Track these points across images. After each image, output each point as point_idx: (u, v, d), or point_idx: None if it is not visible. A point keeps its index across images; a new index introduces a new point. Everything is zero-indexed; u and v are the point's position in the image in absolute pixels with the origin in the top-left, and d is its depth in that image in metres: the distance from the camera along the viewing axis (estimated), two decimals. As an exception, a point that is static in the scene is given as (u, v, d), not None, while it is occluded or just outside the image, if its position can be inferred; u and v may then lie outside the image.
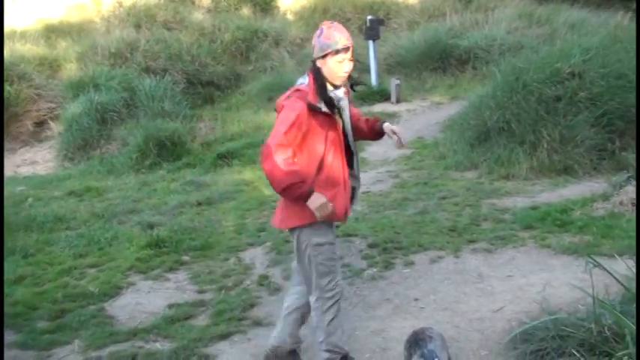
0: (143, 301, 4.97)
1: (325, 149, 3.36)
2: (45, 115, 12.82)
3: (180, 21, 16.05)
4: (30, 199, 8.29)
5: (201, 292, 5.05)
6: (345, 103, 3.47)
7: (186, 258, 5.79)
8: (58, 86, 13.10)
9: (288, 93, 3.41)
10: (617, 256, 3.77)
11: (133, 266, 5.63)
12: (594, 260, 3.09)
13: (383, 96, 12.99)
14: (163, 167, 9.86)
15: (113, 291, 5.15)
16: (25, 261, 5.94)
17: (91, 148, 11.27)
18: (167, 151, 10.23)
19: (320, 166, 3.36)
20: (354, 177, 3.64)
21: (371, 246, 5.61)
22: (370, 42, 13.44)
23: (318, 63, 3.37)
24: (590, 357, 2.97)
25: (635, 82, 7.53)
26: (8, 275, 5.51)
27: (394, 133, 3.62)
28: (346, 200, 3.48)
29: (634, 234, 5.11)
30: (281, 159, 3.20)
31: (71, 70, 13.60)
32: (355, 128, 3.63)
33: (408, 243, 5.58)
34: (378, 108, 12.44)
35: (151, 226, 6.68)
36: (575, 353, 2.99)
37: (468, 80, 13.37)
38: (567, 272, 4.61)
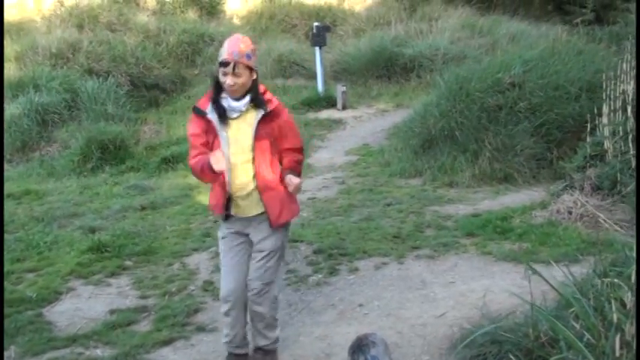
0: (83, 306, 4.87)
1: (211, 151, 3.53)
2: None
3: (125, 23, 15.78)
4: (-35, 202, 8.03)
5: (143, 297, 4.98)
6: (255, 117, 3.56)
7: (128, 263, 5.70)
8: (-5, 86, 12.71)
9: None
10: (553, 264, 3.88)
11: (73, 271, 5.51)
12: (532, 268, 3.18)
13: (329, 102, 13.06)
14: (106, 171, 9.68)
15: (52, 296, 5.03)
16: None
17: (31, 150, 10.98)
18: (110, 154, 10.04)
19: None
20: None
21: (316, 252, 5.63)
22: (317, 48, 13.50)
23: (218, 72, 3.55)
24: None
25: (572, 93, 7.78)
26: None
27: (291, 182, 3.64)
28: (222, 199, 3.63)
29: (570, 242, 5.28)
30: (190, 158, 3.60)
31: (10, 69, 13.21)
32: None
33: (353, 249, 5.62)
34: (324, 114, 12.51)
35: (93, 231, 6.56)
36: (513, 358, 3.06)
37: (413, 88, 13.56)
38: (507, 279, 4.72)
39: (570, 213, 5.85)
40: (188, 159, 3.62)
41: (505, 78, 8.20)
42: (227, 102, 3.53)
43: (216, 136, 3.55)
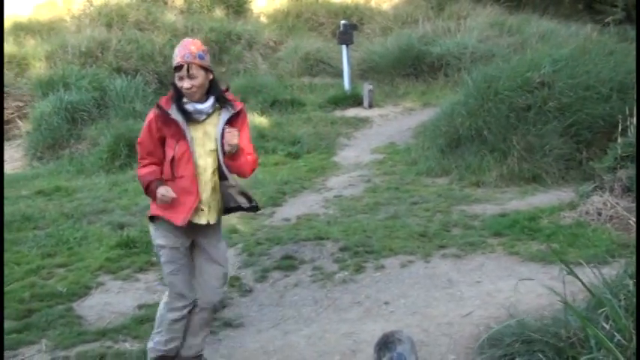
0: (112, 301, 4.93)
1: (174, 159, 3.46)
2: (12, 113, 12.62)
3: (153, 21, 15.91)
4: (-3, 198, 8.16)
5: (171, 293, 5.02)
6: (221, 117, 3.52)
7: (156, 259, 5.74)
8: (26, 85, 12.90)
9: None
10: (584, 264, 3.83)
11: (102, 266, 5.58)
12: (568, 267, 3.14)
13: (355, 101, 13.06)
14: (134, 168, 9.76)
15: (82, 291, 5.11)
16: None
17: (61, 148, 11.13)
18: (137, 152, 10.12)
19: (172, 173, 3.49)
20: (231, 186, 3.67)
21: (342, 249, 5.64)
22: (343, 47, 13.50)
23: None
24: (555, 360, 3.03)
25: (602, 93, 7.69)
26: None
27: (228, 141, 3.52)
28: (189, 211, 3.48)
29: (599, 243, 5.22)
30: (139, 168, 3.54)
31: (40, 68, 13.40)
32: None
33: (379, 247, 5.62)
34: (351, 113, 12.51)
35: (122, 227, 6.63)
36: (542, 357, 3.04)
37: (440, 87, 13.50)
38: (534, 279, 4.68)
39: (600, 214, 5.78)
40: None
41: (534, 77, 8.13)
42: (192, 106, 3.46)
43: (180, 140, 3.45)
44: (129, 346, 4.15)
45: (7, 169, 11.08)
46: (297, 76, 15.03)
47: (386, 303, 4.57)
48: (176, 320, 3.62)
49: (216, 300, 3.75)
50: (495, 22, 15.84)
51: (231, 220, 6.83)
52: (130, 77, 12.77)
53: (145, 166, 3.51)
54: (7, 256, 5.97)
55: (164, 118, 3.45)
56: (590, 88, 7.84)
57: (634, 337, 2.73)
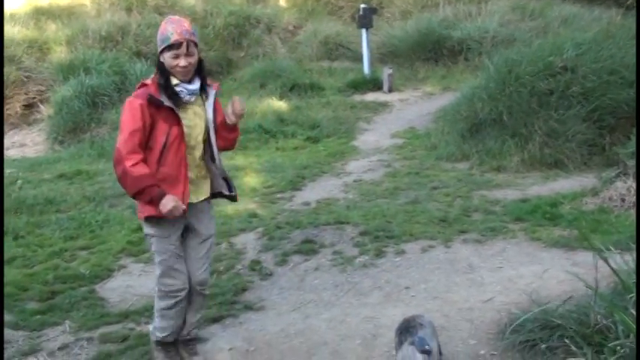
0: (134, 283, 4.97)
1: (166, 144, 3.33)
2: (34, 97, 12.73)
3: (172, 5, 15.92)
4: (19, 182, 8.24)
5: (192, 276, 5.05)
6: (208, 96, 3.49)
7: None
8: (47, 69, 12.99)
9: (136, 87, 3.43)
10: (612, 249, 3.77)
11: (124, 249, 5.63)
12: (601, 250, 3.10)
13: (375, 85, 13.02)
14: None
15: (104, 273, 5.16)
16: (16, 243, 5.93)
17: (82, 132, 11.21)
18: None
19: (159, 161, 3.34)
20: (217, 170, 3.63)
21: (362, 234, 5.63)
22: (363, 30, 13.44)
23: (160, 58, 3.35)
24: (581, 347, 3.00)
25: (627, 78, 7.57)
26: (-2, 256, 5.50)
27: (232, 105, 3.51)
28: (182, 198, 3.40)
29: (622, 229, 5.16)
30: (130, 164, 3.22)
31: (61, 53, 13.48)
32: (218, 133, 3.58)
33: (399, 232, 5.61)
34: (370, 97, 12.47)
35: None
36: (569, 343, 3.01)
37: (461, 71, 13.40)
38: (557, 265, 4.65)
39: (623, 200, 5.72)
40: (122, 148, 3.24)
41: (557, 61, 8.02)
42: (183, 87, 3.36)
43: (173, 125, 3.34)
44: (151, 328, 4.18)
45: (30, 152, 11.20)
46: (317, 60, 14.99)
47: (406, 288, 4.56)
48: (169, 308, 3.59)
49: (205, 277, 3.71)
50: (517, 5, 15.63)
51: (251, 204, 6.86)
52: (150, 61, 12.79)
53: (137, 163, 3.25)
54: (30, 238, 6.05)
55: (157, 105, 3.30)
56: (614, 72, 7.73)
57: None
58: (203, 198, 3.61)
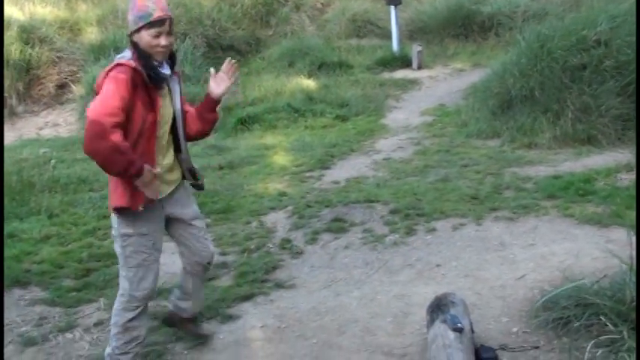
0: (166, 261, 4.98)
1: (140, 131, 3.02)
2: (66, 78, 12.85)
3: (200, -16, 15.91)
4: (53, 161, 8.36)
5: (223, 254, 5.10)
6: (173, 84, 3.22)
7: (208, 221, 5.83)
8: (79, 49, 13.10)
9: (108, 68, 3.01)
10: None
11: (155, 229, 5.69)
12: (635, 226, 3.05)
13: (404, 62, 12.91)
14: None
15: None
16: (50, 221, 6.03)
17: (114, 112, 11.30)
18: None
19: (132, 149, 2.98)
20: (184, 160, 3.36)
21: (392, 212, 5.62)
22: (392, 7, 13.30)
23: (135, 38, 3.03)
24: (616, 324, 2.97)
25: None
26: (34, 234, 5.61)
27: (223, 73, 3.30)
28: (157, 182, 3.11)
29: (658, 205, 5.07)
30: (119, 139, 2.84)
31: (92, 33, 13.58)
32: (186, 125, 3.33)
33: (429, 210, 5.58)
34: (399, 74, 12.37)
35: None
36: (604, 320, 2.98)
37: (491, 47, 13.23)
38: (590, 242, 4.59)
39: (659, 175, 5.61)
40: (106, 119, 2.81)
41: (590, 35, 7.84)
42: (162, 68, 3.09)
43: (149, 111, 3.04)
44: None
45: (63, 132, 11.34)
46: (345, 37, 14.88)
47: (437, 265, 4.55)
48: (135, 317, 3.29)
49: (212, 250, 3.58)
50: (549, -22, 15.34)
51: (281, 183, 6.88)
52: (179, 41, 12.82)
53: (123, 139, 2.88)
54: (65, 217, 6.15)
55: (138, 83, 2.97)
56: (650, 45, 7.55)
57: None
58: (175, 185, 3.34)
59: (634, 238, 3.19)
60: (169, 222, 3.40)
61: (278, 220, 5.74)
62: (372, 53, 13.64)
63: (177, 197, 3.37)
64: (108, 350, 3.35)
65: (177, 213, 3.38)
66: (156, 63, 3.05)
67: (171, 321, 3.80)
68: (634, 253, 3.33)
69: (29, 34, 12.47)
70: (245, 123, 9.84)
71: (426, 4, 15.21)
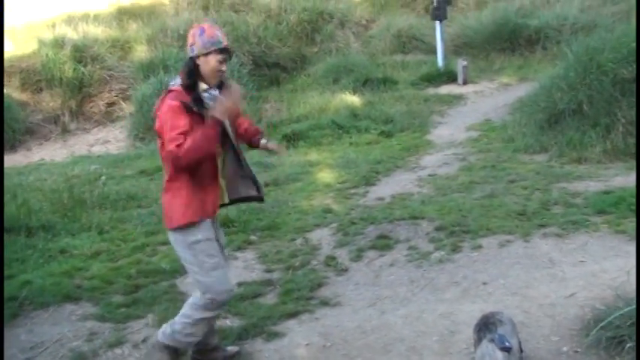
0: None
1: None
2: (117, 95, 13.19)
3: (247, 3, 16.16)
4: (103, 178, 8.55)
5: (268, 271, 5.13)
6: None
7: (254, 238, 5.88)
8: (129, 68, 13.42)
9: (162, 96, 3.39)
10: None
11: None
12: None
13: (449, 77, 12.85)
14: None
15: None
16: (101, 237, 6.16)
17: (161, 129, 11.50)
18: (235, 132, 10.36)
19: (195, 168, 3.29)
20: (246, 176, 3.57)
21: (438, 229, 5.57)
22: (437, 22, 13.28)
23: (199, 61, 3.32)
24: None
25: None
26: (85, 250, 5.73)
27: (271, 148, 3.78)
28: (216, 197, 3.44)
29: None
30: (186, 146, 3.13)
31: (142, 51, 13.90)
32: (236, 133, 3.60)
33: (475, 226, 5.51)
34: (444, 90, 12.31)
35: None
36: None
37: (538, 61, 13.08)
38: (643, 259, 4.47)
39: None
40: (176, 151, 3.15)
41: (641, 47, 7.69)
42: (209, 92, 3.35)
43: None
44: (229, 322, 4.26)
45: (113, 149, 11.60)
46: (390, 53, 14.91)
47: (484, 283, 4.48)
48: (211, 317, 3.50)
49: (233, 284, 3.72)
50: (598, -10, 15.12)
51: (326, 200, 6.89)
52: (225, 58, 13.00)
53: (181, 143, 3.16)
54: (114, 233, 6.27)
55: (189, 109, 3.25)
56: None
57: None
58: (226, 201, 3.58)
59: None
60: None
61: (323, 237, 5.75)
62: (416, 69, 13.62)
63: (217, 224, 3.59)
64: (166, 329, 3.52)
65: (218, 237, 3.56)
66: (205, 86, 3.34)
67: (199, 355, 3.75)
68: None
69: (82, 53, 12.84)
70: (290, 140, 9.91)
71: (472, 18, 15.15)
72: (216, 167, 3.42)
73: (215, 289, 3.39)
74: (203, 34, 3.32)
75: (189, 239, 3.36)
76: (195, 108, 3.26)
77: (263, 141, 3.70)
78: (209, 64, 3.33)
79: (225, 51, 3.35)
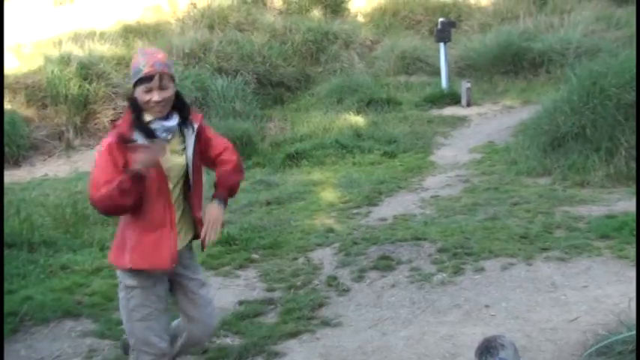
0: (214, 296, 5.05)
1: (149, 186, 2.97)
2: (121, 112, 13.19)
3: (253, 22, 16.25)
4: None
5: (270, 290, 5.12)
6: (188, 134, 3.15)
7: (255, 256, 5.88)
8: (134, 85, 13.46)
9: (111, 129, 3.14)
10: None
11: (203, 262, 5.71)
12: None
13: (453, 99, 12.88)
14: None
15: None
16: (102, 253, 6.12)
17: (164, 147, 11.54)
18: (237, 150, 10.34)
19: (141, 207, 2.99)
20: (195, 216, 3.26)
21: (440, 250, 5.56)
22: (441, 44, 13.33)
23: (134, 92, 3.01)
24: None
25: None
26: (86, 266, 5.72)
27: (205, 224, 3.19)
28: (172, 245, 3.09)
29: None
30: (100, 194, 2.86)
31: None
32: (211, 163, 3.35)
33: (478, 249, 5.50)
34: (448, 111, 12.34)
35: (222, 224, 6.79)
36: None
37: (541, 84, 13.11)
38: (646, 284, 4.45)
39: None
40: (95, 197, 2.89)
41: (645, 72, 7.72)
42: (157, 123, 3.01)
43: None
44: (230, 341, 4.25)
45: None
46: (394, 74, 14.97)
47: (486, 306, 4.47)
48: None
49: (214, 326, 3.54)
50: (602, 15, 15.21)
51: (328, 219, 6.89)
52: (231, 77, 13.09)
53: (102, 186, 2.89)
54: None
55: (128, 143, 2.95)
56: None
57: None
58: (187, 241, 3.27)
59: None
60: (175, 285, 3.31)
61: (325, 257, 5.74)
62: (420, 90, 13.67)
63: (186, 255, 3.29)
64: None
65: (185, 272, 3.30)
66: (150, 117, 3.01)
67: None
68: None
69: (88, 70, 12.89)
70: (293, 159, 9.92)
71: (476, 41, 15.21)
72: (171, 207, 3.09)
73: (145, 340, 3.13)
74: (132, 64, 3.03)
75: (126, 282, 3.12)
76: (139, 141, 2.96)
77: (208, 206, 3.26)
78: (138, 96, 2.99)
79: (145, 80, 2.94)
